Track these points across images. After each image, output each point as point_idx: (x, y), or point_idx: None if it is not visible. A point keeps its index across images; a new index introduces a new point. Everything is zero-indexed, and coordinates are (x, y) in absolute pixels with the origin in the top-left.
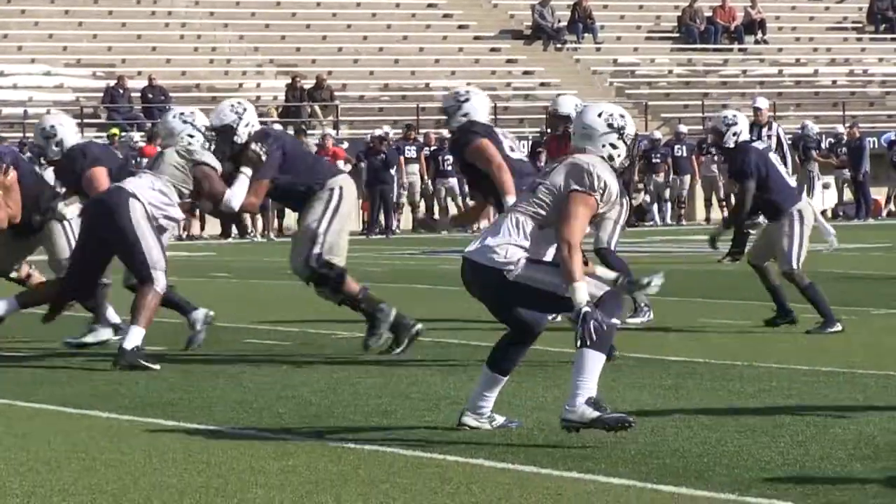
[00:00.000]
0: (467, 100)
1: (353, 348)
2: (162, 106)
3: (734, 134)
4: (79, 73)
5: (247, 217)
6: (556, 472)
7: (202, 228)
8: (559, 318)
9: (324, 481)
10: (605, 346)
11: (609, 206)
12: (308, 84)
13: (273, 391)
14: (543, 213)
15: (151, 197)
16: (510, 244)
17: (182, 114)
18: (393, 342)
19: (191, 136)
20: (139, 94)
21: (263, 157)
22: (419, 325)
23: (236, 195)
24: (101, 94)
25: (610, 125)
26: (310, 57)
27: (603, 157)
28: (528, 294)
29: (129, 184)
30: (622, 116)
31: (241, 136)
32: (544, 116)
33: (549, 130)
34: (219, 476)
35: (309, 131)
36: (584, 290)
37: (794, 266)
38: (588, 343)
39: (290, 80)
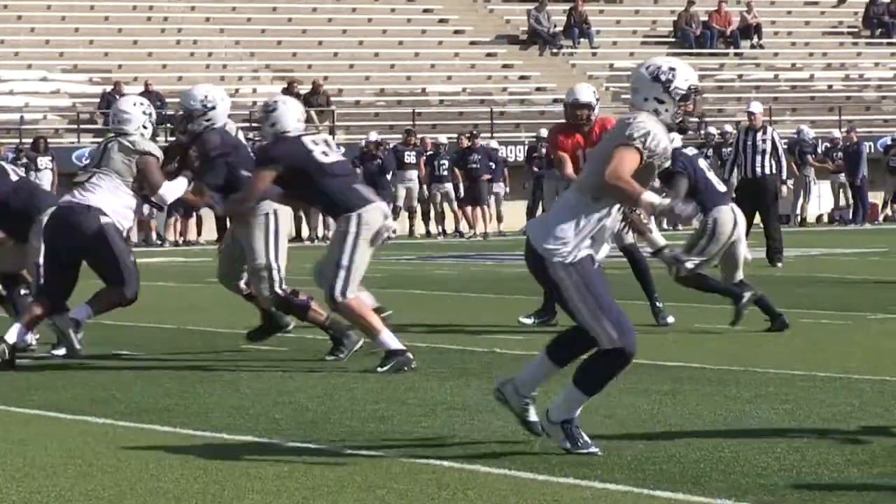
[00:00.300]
0: (274, 109)
1: (350, 354)
2: (158, 111)
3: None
4: (75, 78)
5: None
6: (552, 478)
7: (199, 234)
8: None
9: (320, 487)
10: (595, 392)
11: (658, 157)
12: (304, 89)
13: (269, 397)
14: (595, 178)
15: (116, 207)
16: (560, 235)
17: (141, 104)
18: (334, 349)
19: (144, 128)
20: None
21: (196, 163)
22: (361, 342)
23: (171, 191)
24: (98, 100)
25: (655, 78)
26: (305, 62)
27: (649, 112)
28: (562, 301)
29: (93, 199)
30: (671, 69)
31: (198, 127)
32: (541, 121)
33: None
34: (215, 482)
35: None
36: (653, 195)
37: (689, 269)
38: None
39: (285, 86)
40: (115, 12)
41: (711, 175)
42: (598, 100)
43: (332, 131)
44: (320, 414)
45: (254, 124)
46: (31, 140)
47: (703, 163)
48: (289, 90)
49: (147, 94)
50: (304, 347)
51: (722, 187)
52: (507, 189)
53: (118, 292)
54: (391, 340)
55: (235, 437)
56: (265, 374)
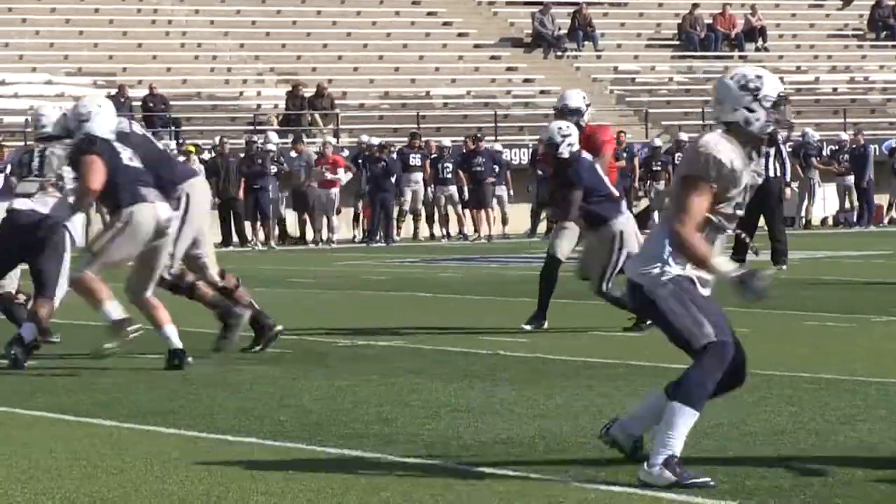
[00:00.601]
0: (87, 120)
1: (354, 356)
2: (163, 115)
3: (569, 145)
4: (80, 81)
5: (247, 225)
6: (557, 480)
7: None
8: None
9: (325, 489)
10: (699, 402)
11: (730, 183)
12: (308, 92)
13: (274, 399)
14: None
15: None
16: (655, 256)
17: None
18: (254, 341)
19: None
20: (140, 103)
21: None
22: (279, 326)
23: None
24: None
25: (743, 87)
26: (310, 65)
27: (730, 128)
28: (660, 323)
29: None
30: (759, 77)
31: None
32: (545, 124)
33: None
34: (220, 484)
35: (309, 139)
36: (725, 263)
37: (603, 287)
38: (759, 298)
39: (290, 89)
40: (119, 15)
41: (607, 181)
42: (588, 105)
43: (336, 134)
44: (324, 416)
45: (258, 127)
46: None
47: (599, 169)
48: (293, 93)
49: (152, 97)
50: (309, 350)
51: (616, 193)
52: (511, 192)
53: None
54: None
55: (240, 439)
56: (269, 377)
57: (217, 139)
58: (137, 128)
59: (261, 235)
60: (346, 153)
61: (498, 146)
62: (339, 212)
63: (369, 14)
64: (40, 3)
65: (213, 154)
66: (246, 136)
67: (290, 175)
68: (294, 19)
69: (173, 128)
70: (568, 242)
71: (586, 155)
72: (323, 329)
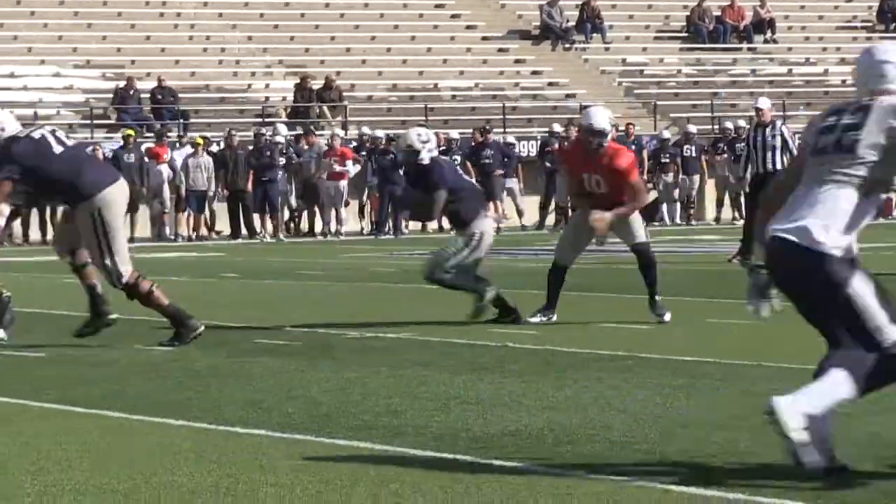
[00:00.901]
0: None
1: (363, 348)
2: (171, 107)
3: (429, 151)
4: (88, 74)
5: (256, 218)
6: (566, 472)
7: (210, 230)
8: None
9: (334, 481)
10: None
11: None
12: (317, 84)
13: (283, 391)
14: (873, 172)
15: None
16: (832, 224)
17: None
18: (175, 338)
19: None
20: (148, 96)
21: None
22: (202, 328)
23: None
24: (111, 96)
25: None
26: (318, 57)
27: None
28: (842, 302)
29: None
30: None
31: None
32: (554, 116)
33: (553, 139)
34: (229, 476)
35: (318, 131)
36: None
37: (440, 275)
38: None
39: (298, 81)
40: (127, 8)
41: (471, 180)
42: (613, 126)
43: (344, 126)
44: (333, 408)
45: (266, 119)
46: None
47: (460, 169)
48: (302, 85)
49: (160, 89)
50: (317, 341)
51: (480, 191)
52: (522, 185)
53: None
54: None
55: (249, 431)
56: (278, 368)
57: (227, 131)
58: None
59: (269, 227)
60: (354, 145)
61: (510, 138)
62: (347, 204)
63: (377, 6)
64: None
65: (222, 146)
66: (254, 129)
67: (300, 167)
68: (302, 12)
69: (181, 120)
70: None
71: (445, 158)
72: (331, 321)
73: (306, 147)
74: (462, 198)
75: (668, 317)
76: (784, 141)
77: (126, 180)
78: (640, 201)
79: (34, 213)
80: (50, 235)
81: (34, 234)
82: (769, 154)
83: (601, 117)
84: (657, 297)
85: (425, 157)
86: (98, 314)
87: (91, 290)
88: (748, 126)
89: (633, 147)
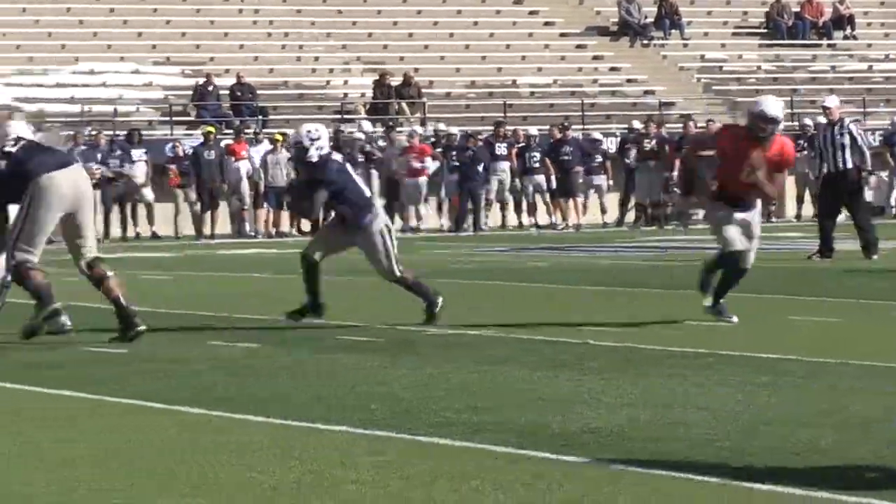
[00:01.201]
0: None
1: (444, 344)
2: (250, 104)
3: (318, 148)
4: (167, 70)
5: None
6: (647, 469)
7: (292, 225)
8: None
9: (415, 477)
10: None
11: None
12: (395, 81)
13: (365, 387)
14: None
15: None
16: None
17: None
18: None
19: None
20: (227, 92)
21: None
22: (143, 327)
23: None
24: (190, 92)
25: None
26: (397, 54)
27: None
28: None
29: None
30: None
31: None
32: (633, 113)
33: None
34: (311, 472)
35: (397, 128)
36: None
37: (397, 272)
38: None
39: (377, 77)
40: (206, 4)
41: (362, 185)
42: (692, 122)
43: (423, 123)
44: (415, 404)
45: (345, 116)
46: (125, 132)
47: (351, 169)
48: (380, 82)
49: (239, 86)
50: (399, 338)
51: (368, 193)
52: (611, 182)
53: None
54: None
55: (330, 428)
56: (360, 365)
57: None
58: None
59: None
60: (432, 141)
61: (596, 134)
62: (426, 201)
63: (456, 3)
64: None
65: None
66: (333, 126)
67: (381, 163)
68: (380, 8)
69: (260, 117)
70: (736, 230)
71: (336, 156)
72: (413, 317)
73: (388, 143)
74: (346, 199)
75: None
76: (853, 139)
77: (206, 177)
78: (775, 195)
79: (115, 210)
80: (130, 232)
81: (115, 230)
82: (839, 152)
83: (775, 105)
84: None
85: (314, 155)
86: (126, 326)
87: (116, 303)
88: (817, 124)
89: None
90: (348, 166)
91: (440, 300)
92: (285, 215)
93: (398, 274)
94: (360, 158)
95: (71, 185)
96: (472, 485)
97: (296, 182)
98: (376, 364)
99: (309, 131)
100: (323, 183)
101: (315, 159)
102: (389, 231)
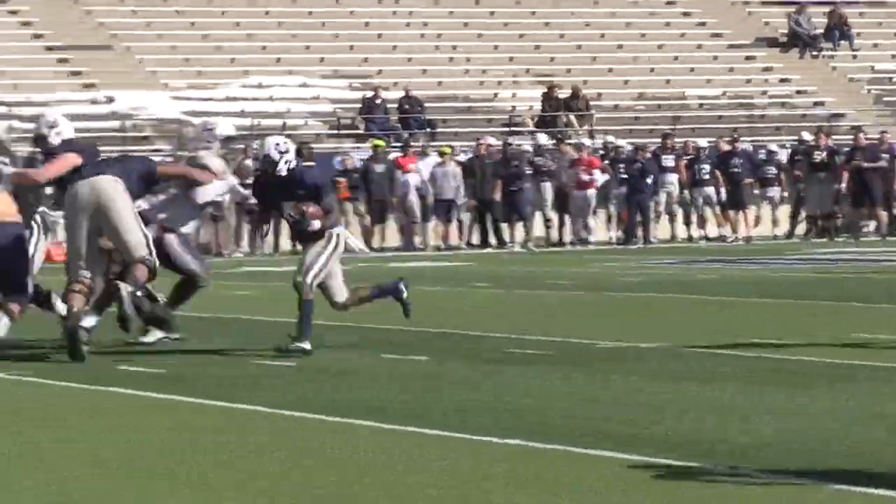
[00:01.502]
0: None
1: (616, 357)
2: (418, 116)
3: (286, 162)
4: (335, 84)
5: (505, 228)
6: (831, 482)
7: (460, 237)
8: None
9: (587, 489)
10: None
11: None
12: (563, 93)
13: (534, 400)
14: None
15: None
16: None
17: None
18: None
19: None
20: (396, 105)
21: None
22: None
23: None
24: (358, 106)
25: None
26: (564, 66)
27: None
28: None
29: None
30: None
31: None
32: (802, 124)
33: None
34: (478, 488)
35: (566, 141)
36: None
37: (309, 280)
38: None
39: (545, 90)
40: (374, 17)
41: (329, 196)
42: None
43: (591, 135)
44: (586, 416)
45: (513, 129)
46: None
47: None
48: (549, 94)
49: (407, 99)
50: (569, 350)
51: (333, 206)
52: (785, 193)
53: None
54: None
55: (496, 440)
56: (530, 378)
57: (476, 141)
58: None
59: (517, 237)
60: (600, 154)
61: (772, 146)
62: (595, 213)
63: (623, 15)
64: (296, 6)
65: (469, 155)
66: (502, 138)
67: (552, 175)
68: (547, 21)
69: (428, 129)
70: None
71: (306, 164)
72: (582, 330)
73: (559, 155)
74: (330, 203)
75: None
76: None
77: (375, 190)
78: None
79: (283, 222)
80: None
81: (284, 243)
82: None
83: None
84: None
85: (283, 169)
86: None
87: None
88: None
89: (885, 157)
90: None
91: (306, 345)
92: (454, 228)
93: (304, 283)
94: (529, 171)
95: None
96: (651, 497)
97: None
98: (546, 376)
99: (277, 144)
100: (319, 187)
101: (284, 174)
102: (334, 249)
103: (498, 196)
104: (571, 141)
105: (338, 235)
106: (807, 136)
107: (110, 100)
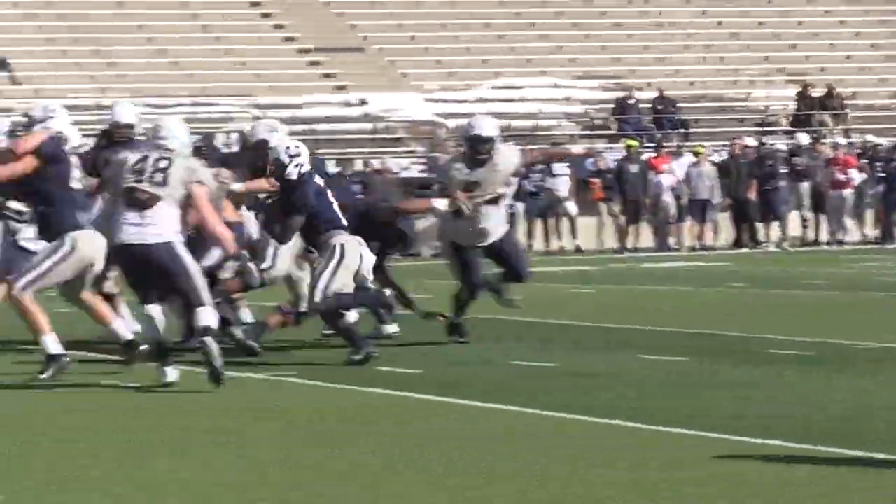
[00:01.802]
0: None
1: (880, 358)
2: (671, 117)
3: (297, 165)
4: (587, 85)
5: (759, 227)
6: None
7: (715, 237)
8: None
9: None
10: None
11: None
12: (818, 92)
13: (801, 401)
14: None
15: None
16: None
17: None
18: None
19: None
20: (649, 106)
21: None
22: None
23: None
24: (611, 106)
25: None
26: (818, 65)
27: None
28: None
29: None
30: None
31: None
32: None
33: None
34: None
35: (821, 140)
36: None
37: (318, 298)
38: None
39: (799, 89)
40: (625, 18)
41: (335, 206)
42: None
43: (846, 134)
44: (847, 418)
45: (766, 129)
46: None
47: (329, 193)
48: (803, 93)
49: (661, 99)
50: (830, 351)
51: (343, 221)
52: None
53: None
54: (53, 345)
55: (765, 441)
56: (793, 379)
57: (732, 140)
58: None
59: (773, 236)
60: (857, 153)
61: None
62: (851, 213)
63: (877, 13)
64: (547, 8)
65: (724, 155)
66: (757, 138)
67: (807, 175)
68: (800, 19)
69: (682, 129)
70: None
71: (317, 179)
72: (840, 331)
73: (816, 154)
74: (324, 222)
75: None
76: None
77: (630, 190)
78: None
79: (538, 223)
80: (554, 245)
81: (538, 244)
82: None
83: None
84: None
85: (293, 173)
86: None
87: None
88: None
89: None
90: (322, 186)
91: (366, 352)
92: (709, 228)
93: (314, 301)
94: (784, 170)
95: None
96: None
97: (272, 202)
98: (809, 377)
99: (288, 147)
100: (301, 208)
101: (294, 177)
102: (341, 258)
103: (753, 195)
104: (827, 140)
105: (341, 246)
106: None
107: (363, 102)
